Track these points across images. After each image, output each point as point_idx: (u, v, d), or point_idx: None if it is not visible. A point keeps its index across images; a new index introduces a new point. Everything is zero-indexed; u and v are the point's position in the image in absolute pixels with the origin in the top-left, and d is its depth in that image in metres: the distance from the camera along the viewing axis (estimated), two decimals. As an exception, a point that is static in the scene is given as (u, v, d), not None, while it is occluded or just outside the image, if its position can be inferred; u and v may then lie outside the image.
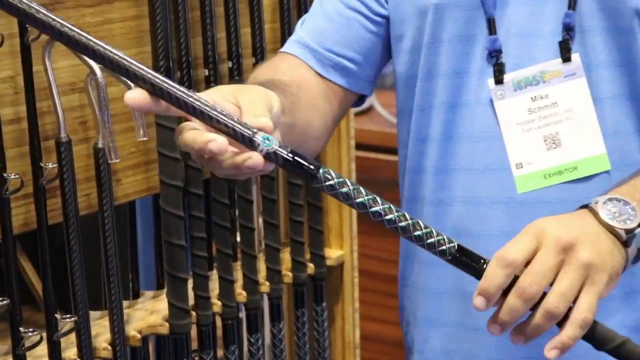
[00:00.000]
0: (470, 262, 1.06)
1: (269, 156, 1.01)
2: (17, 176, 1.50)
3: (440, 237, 1.05)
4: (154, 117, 1.66)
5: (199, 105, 1.01)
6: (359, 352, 2.11)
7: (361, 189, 1.04)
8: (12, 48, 1.50)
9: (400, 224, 1.04)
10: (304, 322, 1.99)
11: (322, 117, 1.37)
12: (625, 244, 1.09)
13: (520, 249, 1.04)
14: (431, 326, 1.41)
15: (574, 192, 1.30)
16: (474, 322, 1.35)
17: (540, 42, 1.31)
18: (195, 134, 1.01)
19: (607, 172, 1.30)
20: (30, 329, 1.52)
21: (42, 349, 1.56)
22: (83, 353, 1.59)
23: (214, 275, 1.83)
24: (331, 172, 1.03)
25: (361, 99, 1.46)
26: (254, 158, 1.00)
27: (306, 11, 1.90)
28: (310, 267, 1.97)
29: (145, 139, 1.56)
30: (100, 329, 1.66)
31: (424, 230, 1.05)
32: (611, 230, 1.09)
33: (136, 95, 1.01)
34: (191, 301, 1.75)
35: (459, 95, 1.34)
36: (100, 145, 1.58)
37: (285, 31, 1.89)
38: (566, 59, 1.30)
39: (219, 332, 1.85)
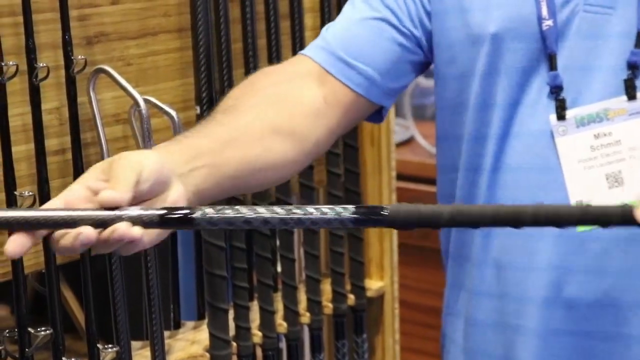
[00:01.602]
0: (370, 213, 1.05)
1: (139, 223, 1.01)
2: (61, 207, 1.51)
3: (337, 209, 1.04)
4: (197, 148, 1.67)
5: (54, 217, 1.00)
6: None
7: (239, 208, 1.03)
8: (57, 80, 1.51)
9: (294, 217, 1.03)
10: (345, 353, 1.98)
11: (315, 122, 1.31)
12: None
13: None
14: (473, 357, 1.41)
15: (629, 230, 1.29)
16: (515, 355, 1.35)
17: (602, 77, 1.30)
18: (65, 238, 1.00)
19: None
20: (73, 359, 1.53)
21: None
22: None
23: (255, 305, 1.84)
24: (204, 208, 1.03)
25: (379, 112, 1.41)
26: (119, 229, 1.00)
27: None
28: (351, 298, 1.97)
29: (187, 170, 1.57)
30: (142, 359, 1.67)
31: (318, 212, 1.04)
32: None
33: (15, 247, 0.99)
34: (232, 332, 1.76)
35: (512, 127, 1.33)
36: (143, 176, 1.59)
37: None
38: (631, 97, 1.29)
39: (260, 364, 1.85)
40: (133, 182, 1.02)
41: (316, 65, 1.36)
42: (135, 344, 1.67)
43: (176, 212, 1.03)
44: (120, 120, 1.62)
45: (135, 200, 1.03)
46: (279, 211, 1.03)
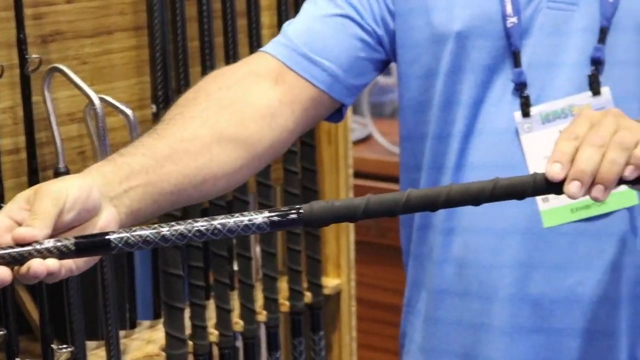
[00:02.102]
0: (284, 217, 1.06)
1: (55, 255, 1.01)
2: (15, 206, 1.50)
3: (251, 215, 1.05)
4: (153, 147, 1.66)
5: None
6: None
7: (158, 226, 1.04)
8: (11, 79, 1.50)
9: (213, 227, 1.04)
10: (301, 351, 1.99)
11: (269, 124, 1.28)
12: None
13: (584, 125, 1.09)
14: (433, 356, 1.41)
15: (593, 225, 1.30)
16: (479, 353, 1.35)
17: (566, 74, 1.30)
18: None
19: (631, 207, 1.30)
20: (27, 359, 1.52)
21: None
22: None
23: (211, 304, 1.83)
24: (121, 232, 1.04)
25: (339, 111, 1.40)
26: (32, 266, 1.00)
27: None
28: (308, 296, 1.97)
29: (143, 169, 1.56)
30: (97, 359, 1.67)
31: (234, 219, 1.05)
32: None
33: None
34: (188, 330, 1.75)
35: (476, 124, 1.34)
36: (98, 175, 1.58)
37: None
38: (596, 92, 1.29)
39: (216, 362, 1.85)
40: (53, 216, 1.02)
41: (276, 62, 1.33)
42: (90, 344, 1.66)
43: (90, 238, 1.03)
44: (75, 120, 1.61)
45: (60, 230, 1.03)
46: (197, 224, 1.04)
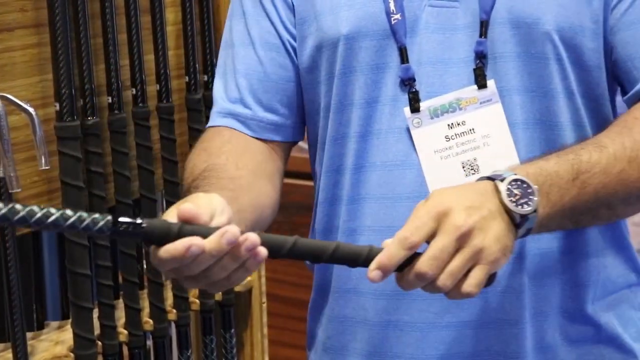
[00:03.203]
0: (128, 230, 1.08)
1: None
2: None
3: (94, 216, 1.07)
4: (57, 145, 1.64)
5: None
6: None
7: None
8: None
9: (50, 220, 1.04)
10: (213, 349, 1.98)
11: (271, 179, 1.37)
12: (517, 226, 1.15)
13: (424, 233, 1.11)
14: (335, 353, 1.42)
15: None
16: (388, 352, 1.36)
17: (453, 69, 1.32)
18: (170, 246, 1.06)
19: None
20: None
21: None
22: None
23: (120, 304, 1.82)
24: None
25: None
26: (230, 231, 1.05)
27: (210, 38, 1.92)
28: (218, 294, 1.96)
29: (47, 167, 1.55)
30: (4, 361, 1.64)
31: (75, 216, 1.06)
32: (508, 211, 1.14)
33: None
34: (97, 331, 1.73)
35: (371, 124, 1.34)
36: (1, 174, 1.56)
37: (190, 57, 1.88)
38: (482, 85, 1.31)
39: (126, 362, 1.83)
40: (210, 210, 1.09)
41: (237, 134, 1.39)
42: (-4, 346, 1.64)
43: None
44: (-24, 118, 1.58)
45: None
46: (35, 209, 1.03)
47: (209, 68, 1.92)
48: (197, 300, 1.94)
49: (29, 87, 1.65)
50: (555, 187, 1.18)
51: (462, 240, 1.11)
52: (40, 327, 1.78)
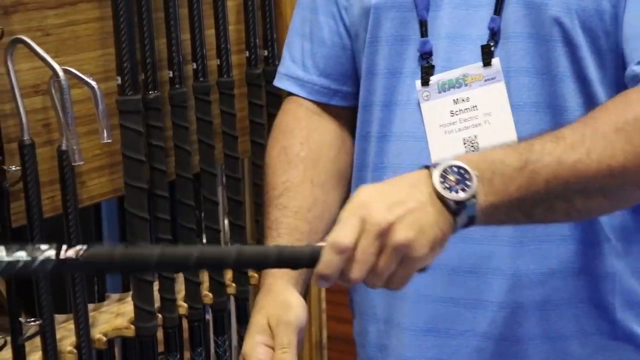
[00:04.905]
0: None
1: None
2: (-21, 179, 1.48)
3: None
4: (118, 119, 1.65)
5: None
6: (326, 352, 2.10)
7: None
8: (-27, 50, 1.49)
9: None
10: (271, 323, 1.98)
11: (343, 181, 1.43)
12: (454, 213, 1.08)
13: (350, 234, 1.05)
14: (368, 320, 1.43)
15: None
16: (395, 318, 1.37)
17: (469, 45, 1.31)
18: None
19: None
20: (-5, 333, 1.51)
21: (7, 353, 1.56)
22: (48, 356, 1.58)
23: (180, 277, 1.82)
24: None
25: None
26: None
27: (270, 13, 1.92)
28: (277, 268, 1.96)
29: (109, 141, 1.56)
30: (66, 332, 1.65)
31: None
32: (441, 198, 1.08)
33: None
34: (157, 303, 1.74)
35: (394, 94, 1.35)
36: (64, 147, 1.57)
37: (250, 32, 1.88)
38: (487, 63, 1.30)
39: (186, 334, 1.84)
40: (297, 344, 1.23)
41: (311, 103, 1.44)
42: (59, 317, 1.65)
43: None
44: (39, 92, 1.59)
45: None
46: None
47: (269, 43, 1.92)
48: (256, 275, 1.94)
49: (91, 61, 1.66)
50: (499, 174, 1.11)
51: (384, 237, 1.05)
52: (101, 299, 1.80)
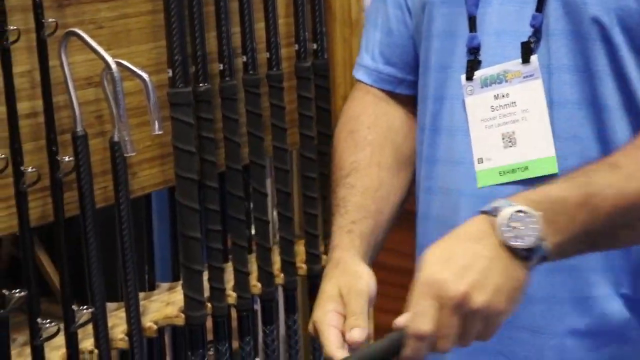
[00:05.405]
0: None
1: None
2: (34, 169, 1.50)
3: None
4: (169, 111, 1.67)
5: None
6: (372, 342, 2.10)
7: None
8: (28, 43, 1.50)
9: None
10: (319, 313, 1.98)
11: (408, 166, 1.43)
12: (525, 258, 1.09)
13: (428, 319, 1.07)
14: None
15: (522, 191, 1.29)
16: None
17: (513, 41, 1.31)
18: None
19: (555, 174, 1.29)
20: (48, 320, 1.53)
21: (60, 340, 1.57)
22: (100, 344, 1.60)
23: (229, 267, 1.83)
24: None
25: None
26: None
27: (319, 7, 1.92)
28: (325, 259, 1.96)
29: (160, 132, 1.56)
30: (117, 320, 1.67)
31: None
32: (509, 248, 1.09)
33: None
34: (207, 293, 1.75)
35: (443, 88, 1.36)
36: (116, 138, 1.59)
37: (299, 26, 1.89)
38: (525, 60, 1.30)
39: (234, 324, 1.85)
40: (367, 311, 1.20)
41: (379, 90, 1.45)
42: (110, 305, 1.67)
43: None
44: (92, 84, 1.61)
45: None
46: None
47: (318, 36, 1.93)
48: (304, 265, 1.95)
49: (143, 54, 1.68)
50: (562, 214, 1.12)
51: (462, 307, 1.06)
52: (152, 288, 1.82)
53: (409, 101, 1.45)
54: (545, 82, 1.29)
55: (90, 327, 1.60)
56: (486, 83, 1.32)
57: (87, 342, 1.61)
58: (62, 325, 1.56)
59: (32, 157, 1.52)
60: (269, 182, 1.93)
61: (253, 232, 1.88)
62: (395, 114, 1.45)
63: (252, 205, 1.86)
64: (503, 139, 1.31)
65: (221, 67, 1.75)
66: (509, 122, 1.31)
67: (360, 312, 1.19)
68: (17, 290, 1.49)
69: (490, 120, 1.32)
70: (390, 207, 1.39)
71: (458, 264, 1.08)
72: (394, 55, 1.44)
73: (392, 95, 1.45)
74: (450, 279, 1.07)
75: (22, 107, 1.50)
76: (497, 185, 1.31)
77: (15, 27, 1.46)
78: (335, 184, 1.41)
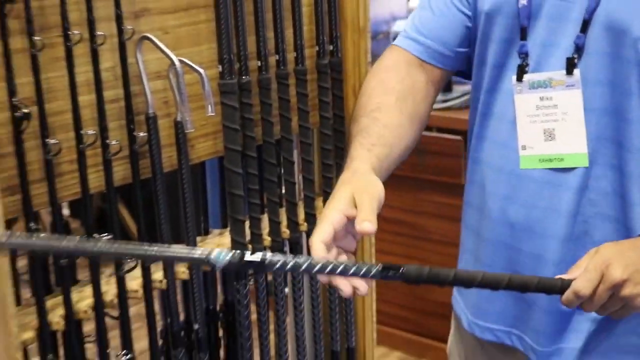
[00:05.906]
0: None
1: (227, 267, 1.04)
2: (117, 142, 1.52)
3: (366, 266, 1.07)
4: (219, 97, 1.67)
5: (154, 254, 1.05)
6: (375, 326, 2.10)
7: (297, 259, 1.06)
8: (111, 45, 1.51)
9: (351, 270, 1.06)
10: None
11: (422, 122, 1.38)
12: None
13: (591, 286, 1.12)
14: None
15: (556, 177, 1.29)
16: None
17: (557, 53, 1.28)
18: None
19: (585, 167, 1.28)
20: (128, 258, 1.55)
21: (137, 272, 1.59)
22: (167, 274, 1.62)
23: (265, 217, 1.84)
24: (276, 255, 1.07)
25: (461, 74, 1.46)
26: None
27: (335, 16, 1.90)
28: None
29: (212, 114, 1.57)
30: (181, 257, 1.68)
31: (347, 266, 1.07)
32: None
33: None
34: (247, 237, 1.76)
35: (497, 83, 1.34)
36: (178, 119, 1.59)
37: (319, 31, 1.88)
38: (569, 72, 1.27)
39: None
40: (376, 212, 1.11)
41: (413, 57, 1.40)
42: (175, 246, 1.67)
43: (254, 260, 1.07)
44: (161, 77, 1.61)
45: None
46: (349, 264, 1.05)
47: (334, 40, 1.91)
48: (323, 216, 1.94)
49: (199, 53, 1.67)
50: None
51: (615, 289, 1.11)
52: (206, 233, 1.82)
53: (436, 72, 1.40)
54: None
55: (160, 263, 1.61)
56: (534, 86, 1.29)
57: (157, 274, 1.63)
58: (139, 262, 1.58)
59: (115, 133, 1.54)
60: (295, 153, 1.92)
61: (283, 191, 1.88)
62: (421, 78, 1.39)
63: (282, 170, 1.86)
64: (544, 133, 1.29)
65: (259, 64, 1.75)
66: (550, 121, 1.29)
67: (371, 210, 1.10)
68: (105, 235, 1.50)
69: (534, 117, 1.30)
70: (402, 148, 1.32)
71: (627, 259, 1.13)
72: (433, 30, 1.39)
73: (422, 64, 1.40)
74: (617, 266, 1.12)
75: (107, 94, 1.52)
76: (534, 169, 1.30)
77: (102, 33, 1.47)
78: (358, 116, 1.32)
